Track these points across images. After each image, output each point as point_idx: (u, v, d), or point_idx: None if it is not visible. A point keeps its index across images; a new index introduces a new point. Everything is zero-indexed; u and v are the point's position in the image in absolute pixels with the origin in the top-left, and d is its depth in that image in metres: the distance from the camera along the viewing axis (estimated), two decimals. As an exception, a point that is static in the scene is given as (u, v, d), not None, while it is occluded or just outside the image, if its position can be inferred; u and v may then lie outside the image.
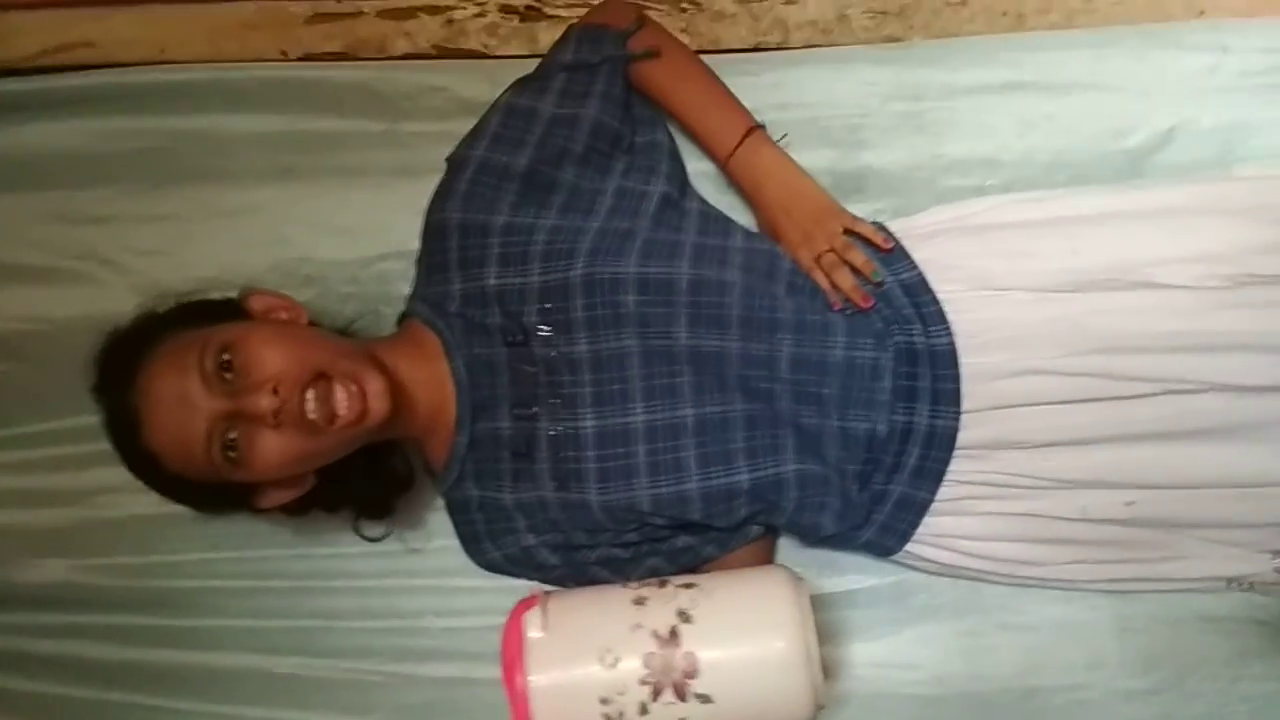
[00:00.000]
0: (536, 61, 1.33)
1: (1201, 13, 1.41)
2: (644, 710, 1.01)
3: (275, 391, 1.04)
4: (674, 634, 1.02)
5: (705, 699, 1.02)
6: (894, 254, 1.22)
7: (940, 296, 1.18)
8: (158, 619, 1.44)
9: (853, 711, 1.34)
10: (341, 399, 1.08)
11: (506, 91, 1.29)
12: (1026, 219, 1.23)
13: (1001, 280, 1.18)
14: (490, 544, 1.28)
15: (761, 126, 1.27)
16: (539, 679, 1.01)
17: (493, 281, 1.19)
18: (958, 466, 1.19)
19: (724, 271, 1.17)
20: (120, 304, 1.24)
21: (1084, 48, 1.38)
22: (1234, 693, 1.29)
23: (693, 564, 1.26)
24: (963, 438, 1.17)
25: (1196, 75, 1.36)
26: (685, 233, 1.22)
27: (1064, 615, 1.32)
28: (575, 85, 1.27)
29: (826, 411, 1.17)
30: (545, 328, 1.17)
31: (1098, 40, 1.38)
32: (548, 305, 1.17)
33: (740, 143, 1.25)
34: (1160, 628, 1.31)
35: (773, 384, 1.17)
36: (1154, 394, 1.14)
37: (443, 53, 1.49)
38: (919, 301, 1.19)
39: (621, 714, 1.01)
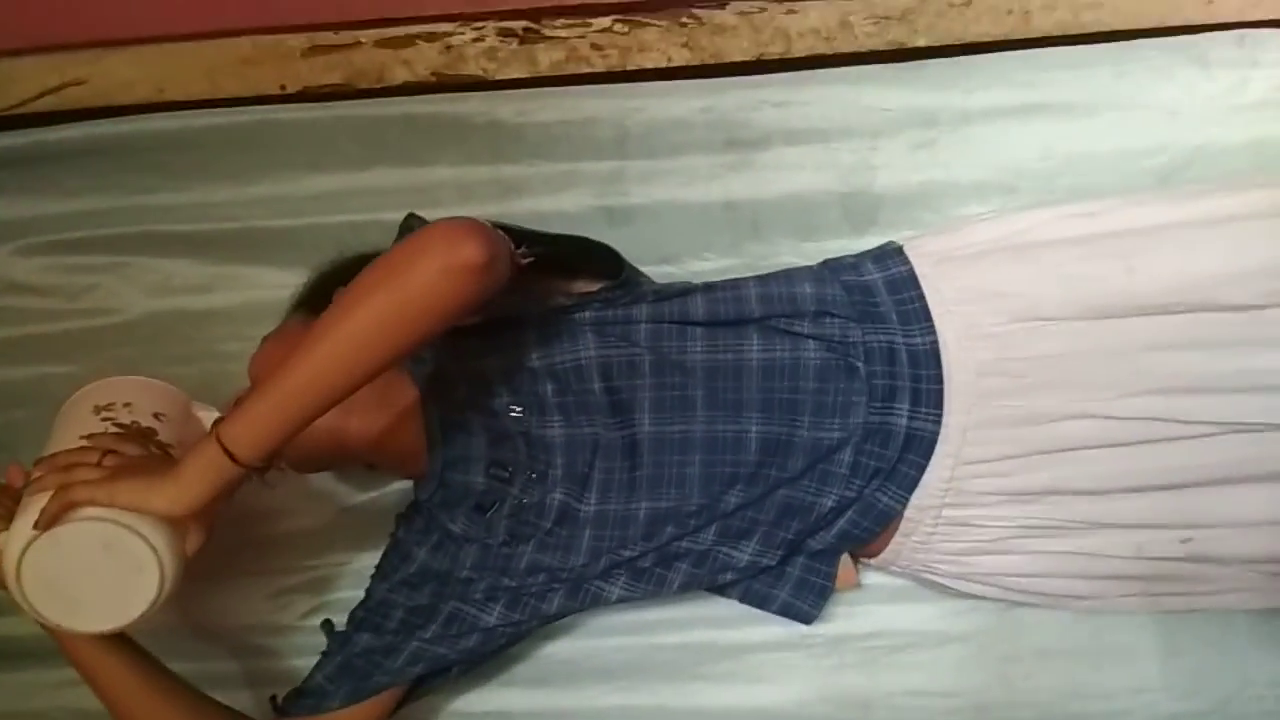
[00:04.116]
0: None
1: (1210, 1, 1.36)
2: None
3: None
4: None
5: None
6: (910, 314, 1.14)
7: (986, 330, 1.12)
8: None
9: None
10: None
11: None
12: (1077, 235, 1.15)
13: (1053, 309, 1.10)
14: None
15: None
16: None
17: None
18: (1003, 512, 1.14)
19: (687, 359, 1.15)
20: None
21: (1104, 64, 1.35)
22: (1280, 714, 1.27)
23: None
24: (1006, 483, 1.12)
25: (1225, 91, 1.33)
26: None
27: (1108, 640, 1.30)
28: None
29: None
30: (516, 408, 1.17)
31: (1118, 56, 1.35)
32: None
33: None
34: (1207, 650, 1.29)
35: (737, 468, 1.15)
36: (1216, 434, 1.09)
37: (442, 79, 1.46)
38: (920, 375, 1.12)
39: None
